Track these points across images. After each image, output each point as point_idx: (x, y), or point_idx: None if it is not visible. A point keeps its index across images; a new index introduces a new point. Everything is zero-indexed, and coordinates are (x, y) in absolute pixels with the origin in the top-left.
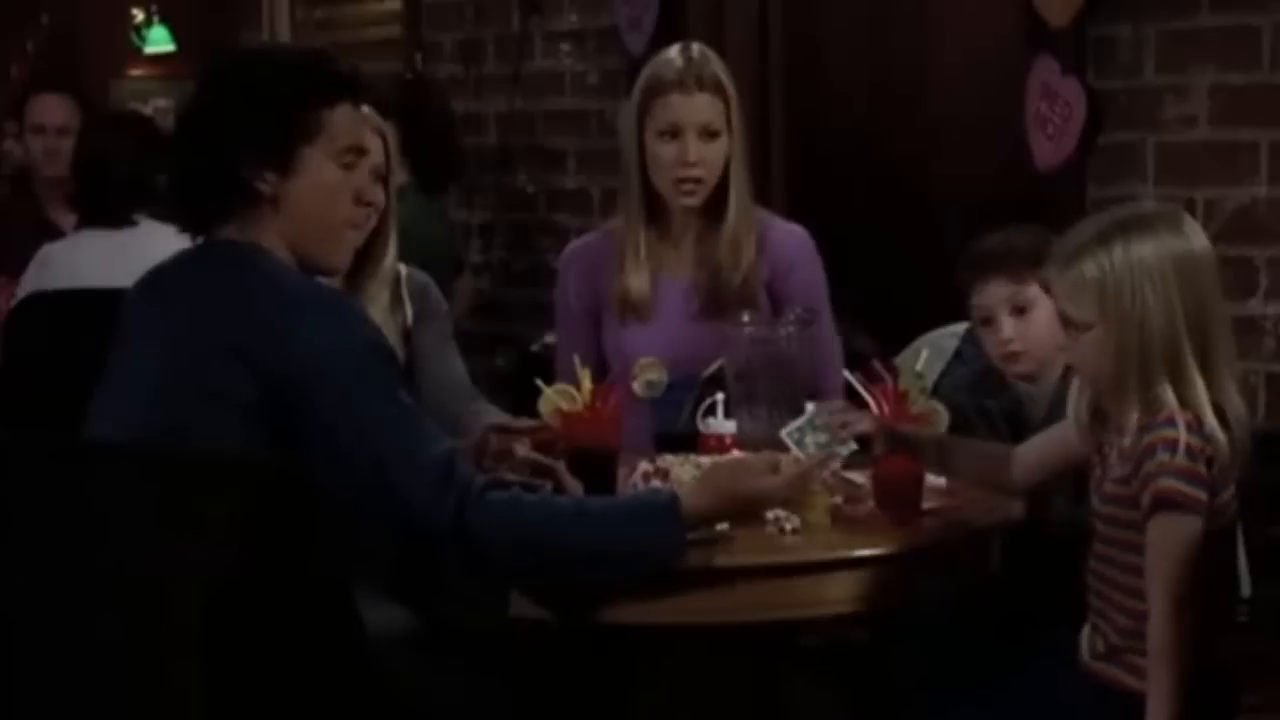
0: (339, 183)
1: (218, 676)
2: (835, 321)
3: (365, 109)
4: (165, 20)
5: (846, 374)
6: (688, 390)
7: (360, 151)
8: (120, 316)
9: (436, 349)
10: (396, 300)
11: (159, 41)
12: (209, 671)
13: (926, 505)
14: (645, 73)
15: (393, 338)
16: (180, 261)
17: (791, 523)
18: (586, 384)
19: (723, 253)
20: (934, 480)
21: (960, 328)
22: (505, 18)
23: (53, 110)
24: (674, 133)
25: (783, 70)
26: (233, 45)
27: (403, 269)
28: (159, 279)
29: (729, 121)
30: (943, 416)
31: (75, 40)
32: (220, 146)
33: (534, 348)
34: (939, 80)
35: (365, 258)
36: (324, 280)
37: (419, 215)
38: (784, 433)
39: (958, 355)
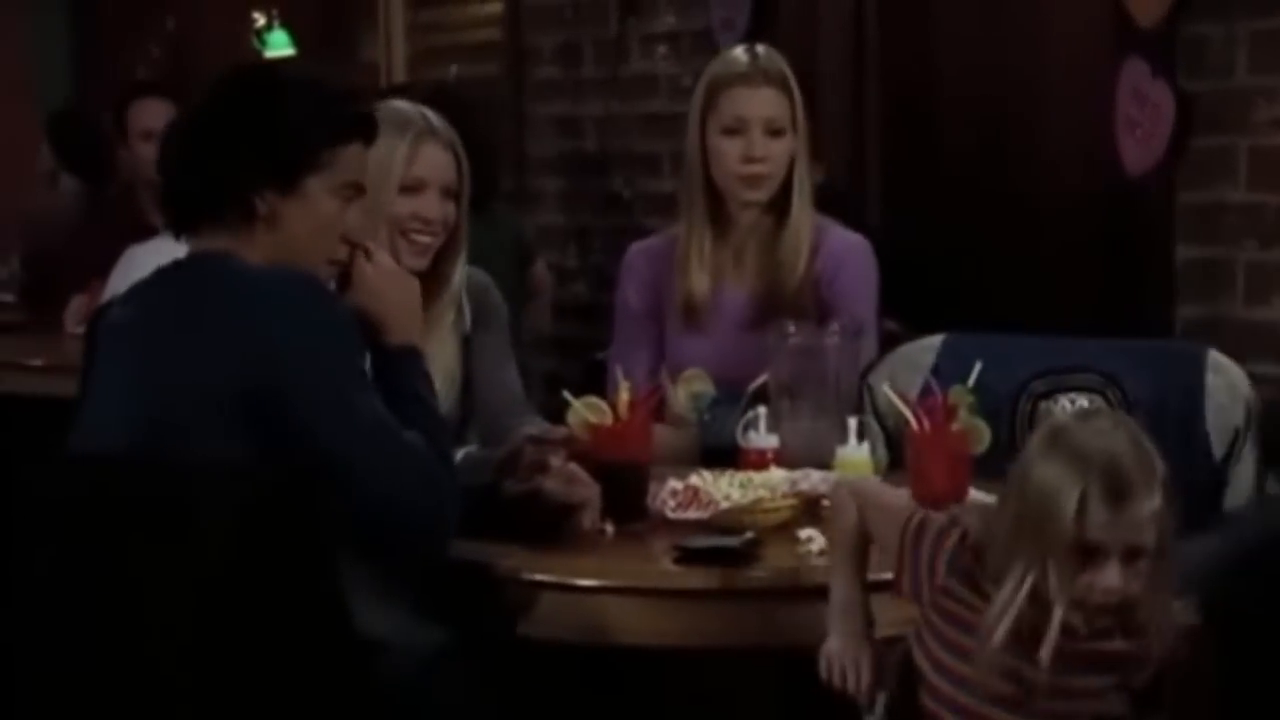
0: (333, 215)
1: (210, 683)
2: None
3: (439, 124)
4: (286, 24)
5: (886, 389)
6: (736, 403)
7: (358, 189)
8: (102, 331)
9: (494, 359)
10: (457, 307)
11: (279, 45)
12: (201, 678)
13: None
14: (709, 70)
15: (452, 346)
16: (160, 274)
17: (818, 543)
18: (624, 396)
19: (783, 255)
20: (981, 497)
21: (935, 340)
22: (603, 20)
23: (158, 114)
24: (738, 127)
25: (878, 71)
26: (256, 60)
27: (463, 271)
28: (139, 291)
29: (794, 121)
30: (984, 435)
31: (198, 44)
32: (229, 159)
33: (599, 356)
34: (1032, 82)
35: (433, 276)
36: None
37: None
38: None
39: (935, 369)
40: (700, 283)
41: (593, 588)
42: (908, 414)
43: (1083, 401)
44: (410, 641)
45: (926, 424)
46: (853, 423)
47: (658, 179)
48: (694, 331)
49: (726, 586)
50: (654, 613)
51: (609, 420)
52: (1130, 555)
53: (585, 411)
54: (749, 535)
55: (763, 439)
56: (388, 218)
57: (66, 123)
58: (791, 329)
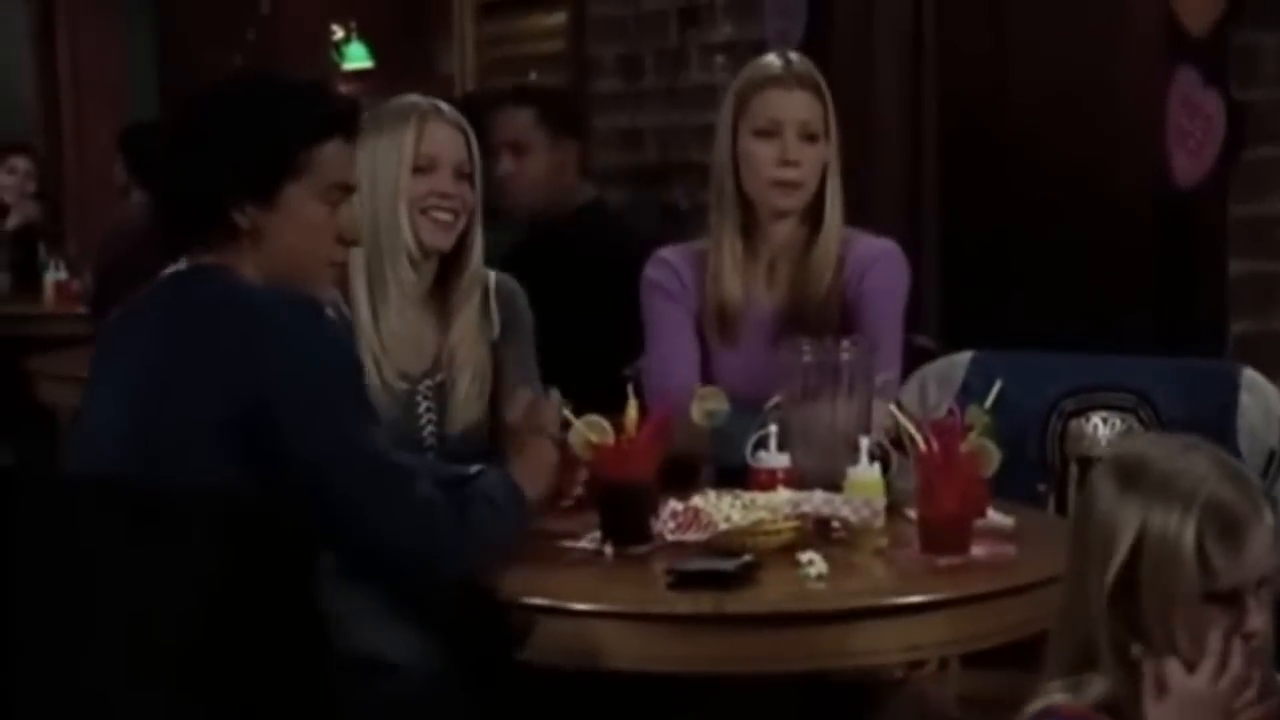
0: (322, 221)
1: (190, 706)
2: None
3: (446, 110)
4: (364, 37)
5: (892, 408)
6: (754, 420)
7: (347, 189)
8: (101, 343)
9: (518, 368)
10: (485, 310)
11: (357, 58)
12: (181, 701)
13: (977, 550)
14: (740, 76)
15: (480, 352)
16: (155, 289)
17: (817, 568)
18: (632, 413)
19: (813, 268)
20: (999, 519)
21: (965, 357)
22: (664, 31)
23: None
24: (772, 129)
25: (935, 83)
26: (233, 71)
27: (492, 276)
28: (135, 307)
29: (827, 129)
30: (994, 457)
31: (278, 57)
32: (203, 175)
33: (626, 372)
34: (1088, 93)
35: (453, 258)
36: None
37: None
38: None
39: (964, 387)
40: (734, 296)
41: (583, 611)
42: (915, 435)
43: (1115, 420)
44: (416, 662)
45: (936, 445)
46: (864, 442)
47: None
48: (725, 346)
49: (719, 611)
50: (645, 638)
51: (611, 440)
52: (1259, 586)
53: (587, 431)
54: (746, 558)
55: (773, 458)
56: (406, 200)
57: (138, 136)
58: (805, 345)
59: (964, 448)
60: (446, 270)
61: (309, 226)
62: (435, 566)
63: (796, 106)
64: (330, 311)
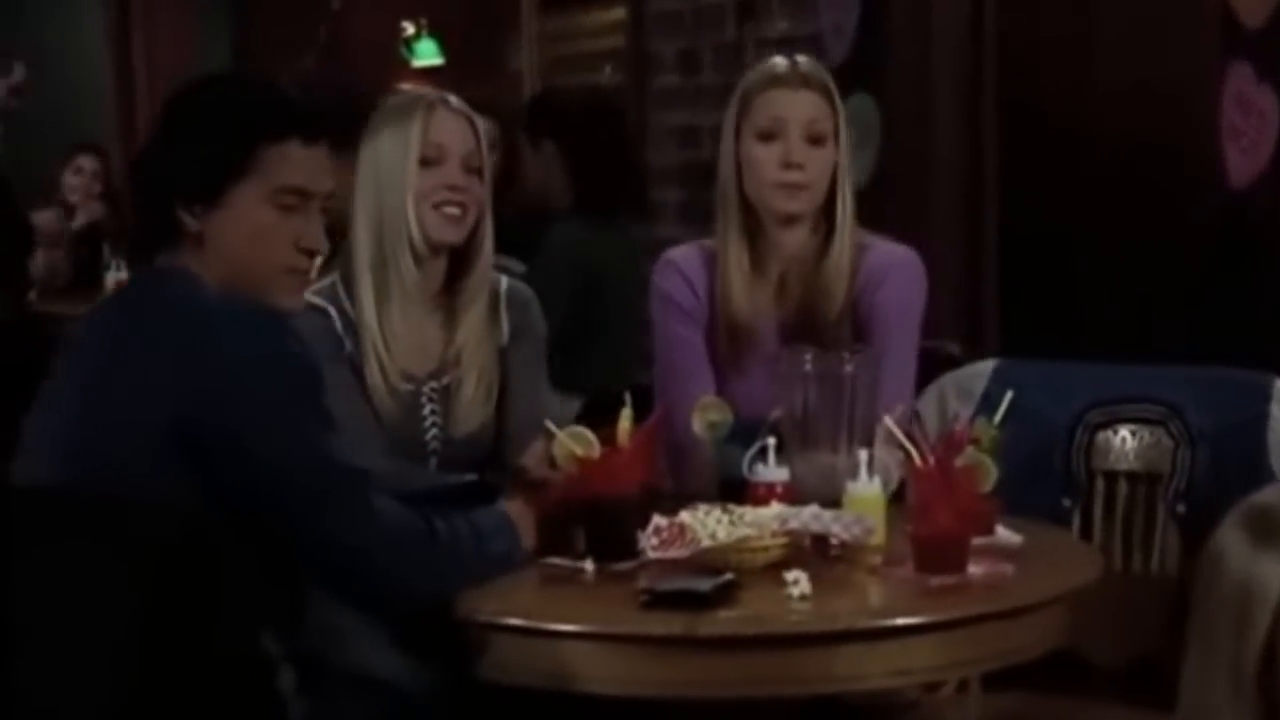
0: (271, 225)
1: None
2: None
3: (454, 100)
4: (434, 33)
5: (887, 421)
6: (756, 432)
7: (304, 194)
8: (62, 348)
9: (527, 376)
10: (494, 316)
11: (427, 55)
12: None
13: (975, 570)
14: (745, 77)
15: (488, 356)
16: (116, 294)
17: (800, 587)
18: (625, 424)
19: (824, 282)
20: (1007, 537)
21: (987, 366)
22: (722, 25)
23: None
24: (775, 129)
25: (996, 76)
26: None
27: (504, 281)
28: (94, 313)
29: (836, 131)
30: (991, 472)
31: (348, 53)
32: (149, 177)
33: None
34: (1139, 88)
35: (462, 256)
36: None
37: (572, 239)
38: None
39: (985, 396)
40: (743, 315)
41: (549, 631)
42: (909, 447)
43: (1144, 433)
44: (405, 681)
45: (932, 459)
46: (864, 456)
47: None
48: (734, 366)
49: (690, 633)
50: (617, 660)
51: (596, 452)
52: None
53: (571, 443)
54: (727, 577)
55: (771, 472)
56: (413, 194)
57: None
58: (807, 355)
59: (960, 463)
60: (455, 268)
61: (257, 231)
62: (389, 577)
63: (801, 106)
64: (328, 312)
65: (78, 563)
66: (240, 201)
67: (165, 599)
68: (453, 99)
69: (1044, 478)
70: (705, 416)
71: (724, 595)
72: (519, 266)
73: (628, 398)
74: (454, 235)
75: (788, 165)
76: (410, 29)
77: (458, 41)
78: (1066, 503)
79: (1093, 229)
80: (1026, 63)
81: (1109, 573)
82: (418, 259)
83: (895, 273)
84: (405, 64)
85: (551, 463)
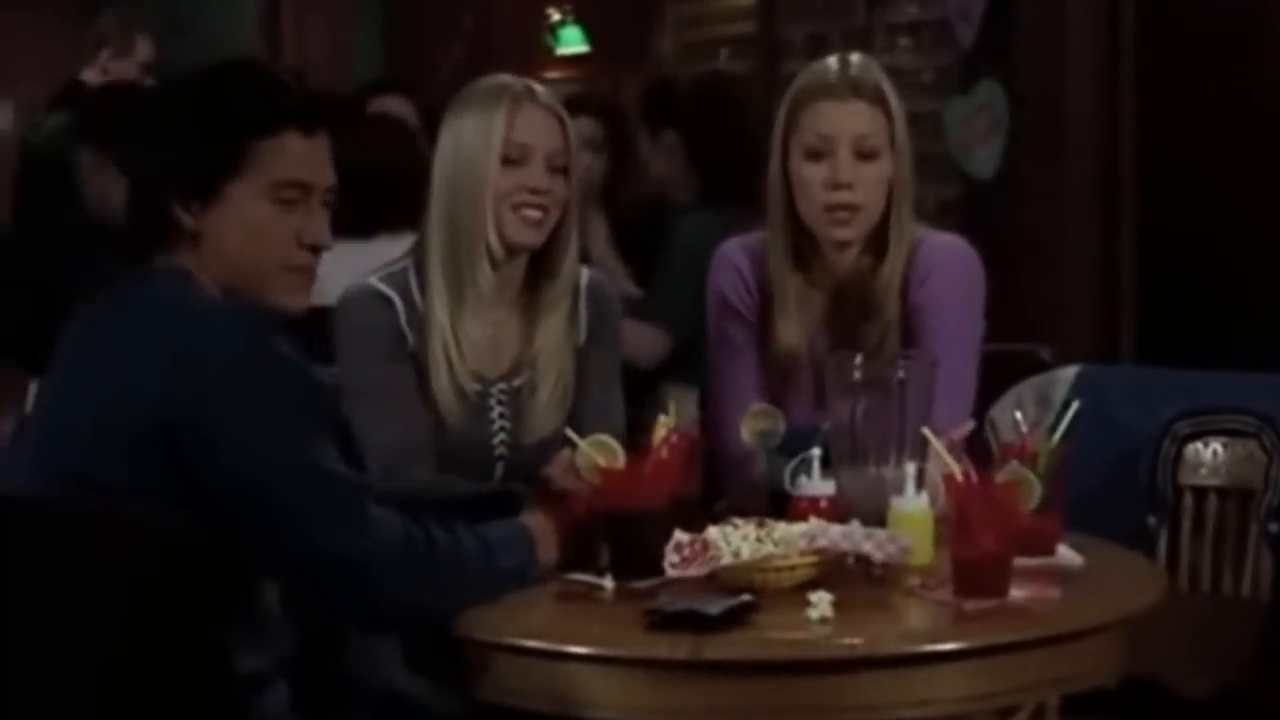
0: (268, 221)
1: None
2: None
3: (541, 94)
4: (579, 20)
5: (926, 431)
6: (807, 443)
7: (304, 188)
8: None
9: (603, 381)
10: (573, 313)
11: (571, 42)
12: None
13: (1017, 593)
14: (794, 83)
15: (566, 359)
16: (105, 294)
17: (820, 610)
18: (662, 431)
19: (877, 299)
20: (1067, 557)
21: (1069, 372)
22: (851, 10)
23: (395, 111)
24: (822, 148)
25: (1134, 59)
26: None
27: (585, 275)
28: (83, 313)
29: (892, 142)
30: (1034, 489)
31: (493, 41)
32: (142, 172)
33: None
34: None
35: (543, 258)
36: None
37: (706, 231)
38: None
39: (1065, 404)
40: (790, 336)
41: (550, 652)
42: (949, 460)
43: (1236, 446)
44: (433, 702)
45: (974, 474)
46: (911, 469)
47: None
48: (782, 377)
49: (695, 657)
50: (617, 683)
51: (620, 462)
52: None
53: (593, 452)
54: (743, 598)
55: (815, 486)
56: (493, 194)
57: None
58: (856, 362)
59: (1000, 479)
60: (536, 270)
61: (254, 228)
62: (381, 591)
63: (850, 120)
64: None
65: (45, 575)
66: (237, 198)
67: (135, 613)
68: (540, 91)
69: (1128, 493)
70: (755, 425)
71: (737, 617)
72: (630, 288)
73: (670, 405)
74: (533, 239)
75: (835, 186)
76: (555, 16)
77: (602, 28)
78: (1152, 520)
79: (1241, 228)
80: (1169, 49)
81: (1195, 596)
82: (494, 262)
83: (941, 267)
84: (550, 52)
85: (578, 472)
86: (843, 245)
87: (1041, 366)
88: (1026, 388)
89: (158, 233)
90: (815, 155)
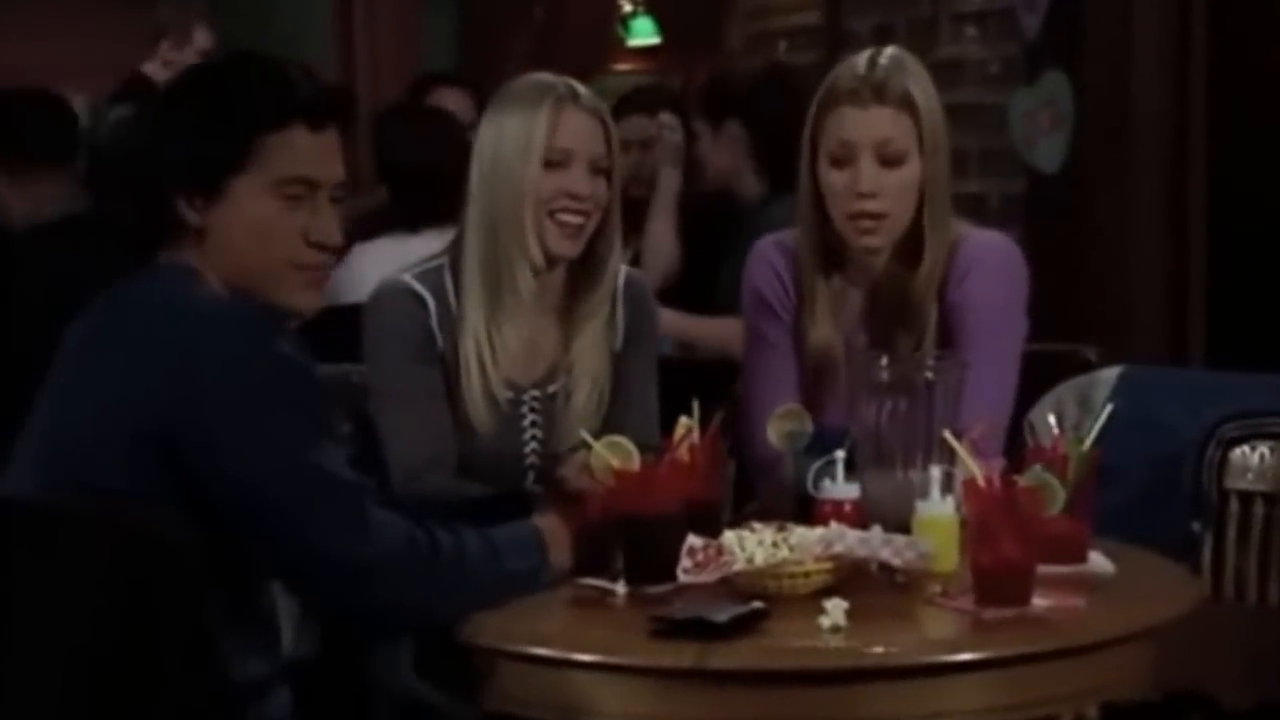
0: (273, 218)
1: None
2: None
3: (584, 96)
4: (651, 11)
5: (947, 433)
6: (837, 445)
7: (311, 184)
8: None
9: (641, 383)
10: (610, 316)
11: (643, 33)
12: None
13: (1040, 602)
14: (823, 83)
15: (602, 361)
16: (112, 289)
17: (832, 618)
18: (682, 433)
19: (914, 301)
20: (1099, 564)
21: (1112, 374)
22: (917, 0)
23: (454, 105)
24: (845, 155)
25: (1205, 52)
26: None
27: (622, 272)
28: (85, 313)
29: (920, 143)
30: (1057, 494)
31: (564, 32)
32: (147, 166)
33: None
34: None
35: (586, 264)
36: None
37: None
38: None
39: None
40: (822, 335)
41: (553, 659)
42: (970, 464)
43: None
44: (453, 708)
45: (996, 479)
46: (936, 473)
47: (964, 177)
48: (822, 385)
49: (700, 666)
50: (621, 691)
51: (634, 464)
52: None
53: (607, 453)
54: (754, 605)
55: (839, 489)
56: (532, 198)
57: (389, 120)
58: (882, 361)
59: (1021, 483)
60: (576, 276)
61: (259, 225)
62: (381, 595)
63: (872, 126)
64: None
65: (38, 578)
66: (241, 194)
67: (129, 617)
68: (583, 93)
69: (1171, 499)
70: (782, 426)
71: (747, 625)
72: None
73: (695, 405)
74: (571, 249)
75: (859, 194)
76: (627, 7)
77: (674, 18)
78: (1196, 526)
79: None
80: (1242, 38)
81: (1241, 605)
82: (534, 270)
83: (980, 265)
84: (621, 43)
85: (592, 474)
86: (870, 254)
87: (1088, 367)
88: (1067, 389)
89: (162, 229)
90: (838, 162)
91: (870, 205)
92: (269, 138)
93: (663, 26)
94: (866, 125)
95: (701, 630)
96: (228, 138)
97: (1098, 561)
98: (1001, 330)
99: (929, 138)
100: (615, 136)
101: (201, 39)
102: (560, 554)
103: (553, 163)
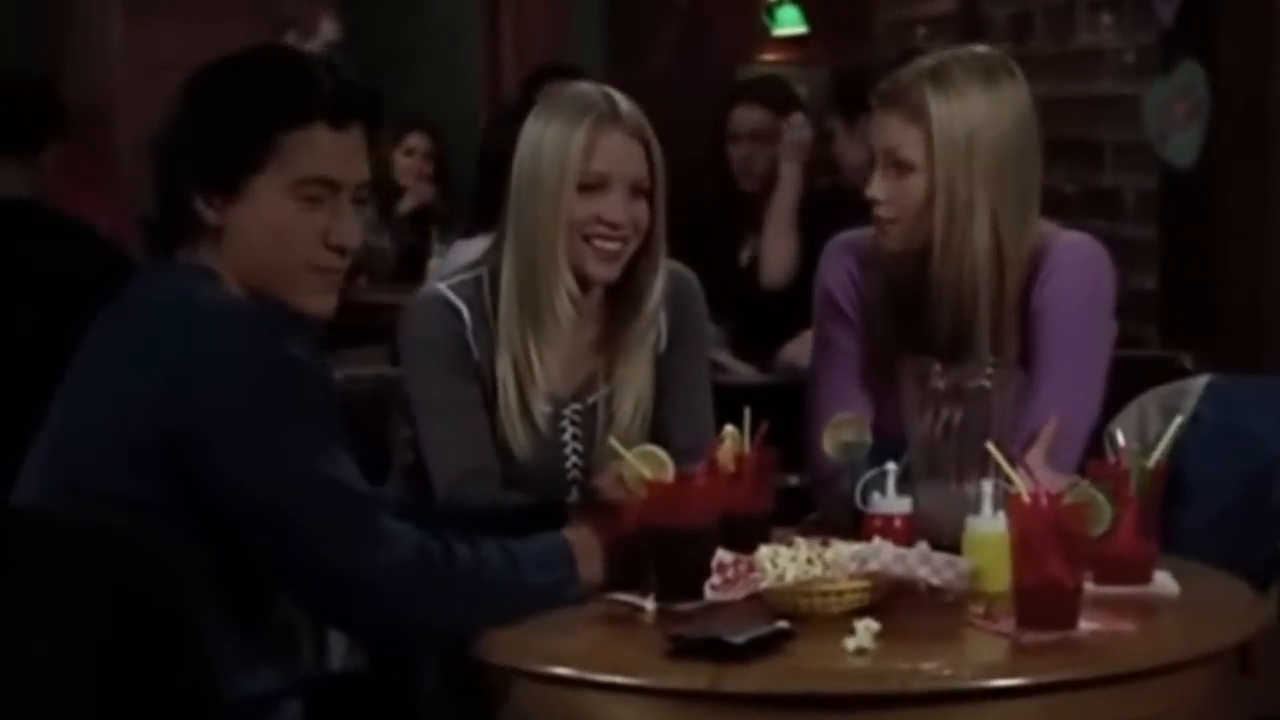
0: (291, 219)
1: None
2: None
3: (626, 113)
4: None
5: (990, 445)
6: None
7: (332, 185)
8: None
9: (684, 381)
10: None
11: (789, 22)
12: None
13: (1089, 624)
14: None
15: (644, 373)
16: (124, 288)
17: (859, 640)
18: (728, 445)
19: (944, 308)
20: (1164, 585)
21: (1199, 383)
22: None
23: None
24: (874, 159)
25: None
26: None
27: (661, 268)
28: (104, 309)
29: (930, 151)
30: (1104, 512)
31: (708, 22)
32: (166, 166)
33: None
34: None
35: (627, 290)
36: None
37: None
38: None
39: (1195, 418)
40: (887, 336)
41: (567, 679)
42: (1015, 478)
43: None
44: None
45: (1043, 496)
46: (988, 487)
47: (1098, 172)
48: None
49: (714, 688)
50: (634, 712)
51: (668, 475)
52: None
53: (640, 464)
54: (778, 625)
55: (890, 503)
56: (567, 221)
57: (500, 124)
58: (936, 368)
59: (1067, 500)
60: (617, 298)
61: (277, 225)
62: (392, 607)
63: (881, 134)
64: (462, 315)
65: (27, 588)
66: (259, 193)
67: (120, 630)
68: (625, 111)
69: (1261, 515)
70: (838, 436)
71: (768, 646)
72: None
73: (747, 412)
74: (607, 273)
75: (871, 199)
76: None
77: (821, 7)
78: None
79: None
80: None
81: None
82: (570, 295)
83: (1061, 268)
84: (766, 32)
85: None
86: (891, 254)
87: (1185, 375)
88: (1151, 399)
89: (181, 227)
90: (873, 164)
91: (880, 211)
92: (289, 135)
93: (809, 15)
94: (880, 131)
95: (718, 651)
96: (247, 135)
97: (1162, 583)
98: (1081, 333)
99: (941, 151)
100: (659, 156)
101: (328, 30)
102: (591, 567)
103: (588, 186)
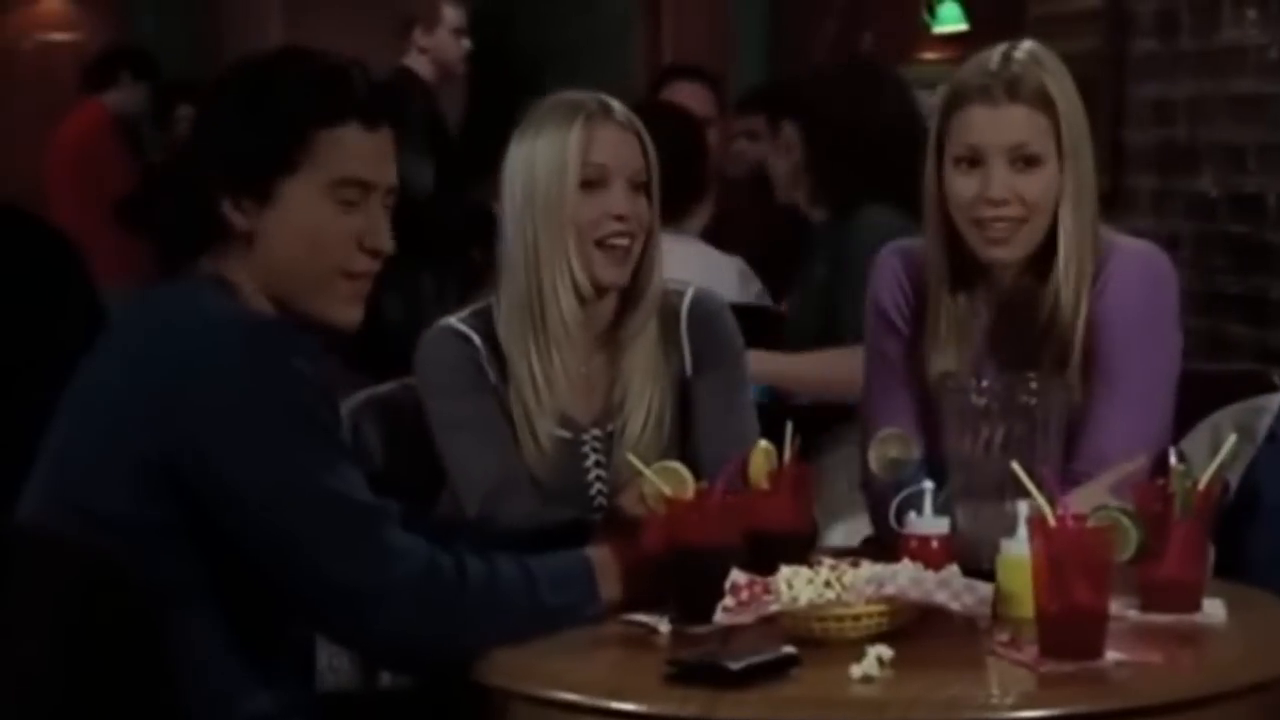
0: (327, 223)
1: None
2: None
3: (618, 110)
4: None
5: (1014, 465)
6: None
7: (365, 186)
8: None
9: (715, 403)
10: (672, 341)
11: (949, 20)
12: None
13: (1115, 654)
14: (952, 78)
15: (660, 391)
16: (134, 299)
17: (865, 668)
18: (760, 461)
19: (1048, 320)
20: (1212, 614)
21: (1275, 400)
22: None
23: (690, 100)
24: (972, 158)
25: None
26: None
27: (688, 296)
28: (112, 321)
29: (1060, 145)
30: (1130, 538)
31: (867, 17)
32: (193, 168)
33: None
34: None
35: (628, 292)
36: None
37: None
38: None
39: (1271, 437)
40: (945, 361)
41: (561, 702)
42: (1040, 499)
43: None
44: None
45: (1068, 518)
46: (1024, 509)
47: (1242, 175)
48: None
49: (705, 715)
50: None
51: (688, 492)
52: None
53: (660, 481)
54: (785, 650)
55: (926, 523)
56: (574, 226)
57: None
58: (975, 383)
59: (1091, 523)
60: (622, 303)
61: (311, 229)
62: (398, 626)
63: (1004, 128)
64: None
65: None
66: (292, 197)
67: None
68: (616, 108)
69: None
70: (884, 452)
71: (766, 673)
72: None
73: (789, 427)
74: (620, 276)
75: (987, 201)
76: None
77: (983, 4)
78: None
79: None
80: None
81: None
82: (582, 300)
83: (1120, 277)
84: (926, 30)
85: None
86: (1001, 265)
87: (1272, 391)
88: (1226, 415)
89: (206, 234)
90: (965, 165)
91: (1001, 211)
92: (321, 135)
93: (970, 12)
94: (998, 126)
95: (715, 677)
96: (278, 135)
97: (1211, 612)
98: (1144, 346)
99: (1069, 139)
100: (653, 152)
101: (452, 16)
102: (611, 586)
103: (590, 182)
